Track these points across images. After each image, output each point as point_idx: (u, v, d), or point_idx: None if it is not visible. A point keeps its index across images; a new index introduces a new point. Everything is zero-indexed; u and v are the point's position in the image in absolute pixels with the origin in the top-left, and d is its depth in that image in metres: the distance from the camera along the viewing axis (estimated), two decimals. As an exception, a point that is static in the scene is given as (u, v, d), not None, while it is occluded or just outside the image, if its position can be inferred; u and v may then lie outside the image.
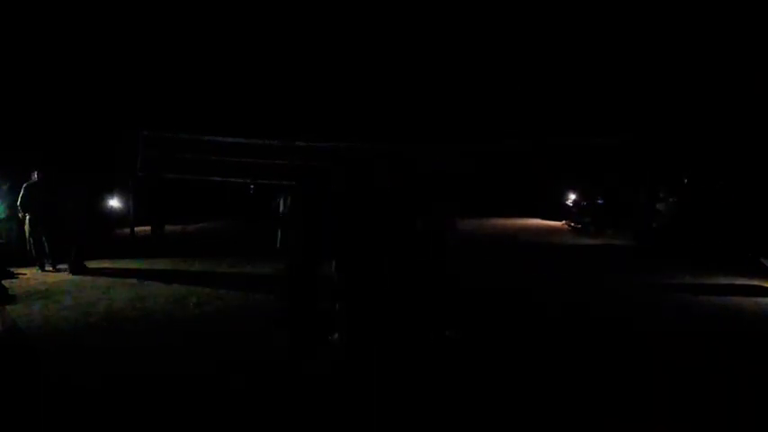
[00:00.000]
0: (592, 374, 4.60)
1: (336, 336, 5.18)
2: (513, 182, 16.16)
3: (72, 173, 9.92)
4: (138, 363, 4.83)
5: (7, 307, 6.59)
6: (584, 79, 17.53)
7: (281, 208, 5.37)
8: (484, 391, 4.23)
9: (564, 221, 16.46)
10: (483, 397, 4.14)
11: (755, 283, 8.14)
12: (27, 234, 9.16)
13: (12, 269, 8.60)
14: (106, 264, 9.56)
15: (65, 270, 8.98)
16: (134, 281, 8.25)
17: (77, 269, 8.89)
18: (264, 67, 19.80)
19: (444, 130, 17.78)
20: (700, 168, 12.12)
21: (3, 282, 7.26)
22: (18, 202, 8.94)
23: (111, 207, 13.45)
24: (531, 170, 15.23)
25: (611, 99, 16.04)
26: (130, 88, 16.60)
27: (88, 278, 8.49)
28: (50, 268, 8.98)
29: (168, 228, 14.87)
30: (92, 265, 9.31)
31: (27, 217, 8.97)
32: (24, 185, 8.96)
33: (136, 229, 13.87)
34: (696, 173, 11.94)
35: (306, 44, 19.99)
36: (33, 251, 9.07)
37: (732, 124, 12.32)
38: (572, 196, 16.20)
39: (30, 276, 8.54)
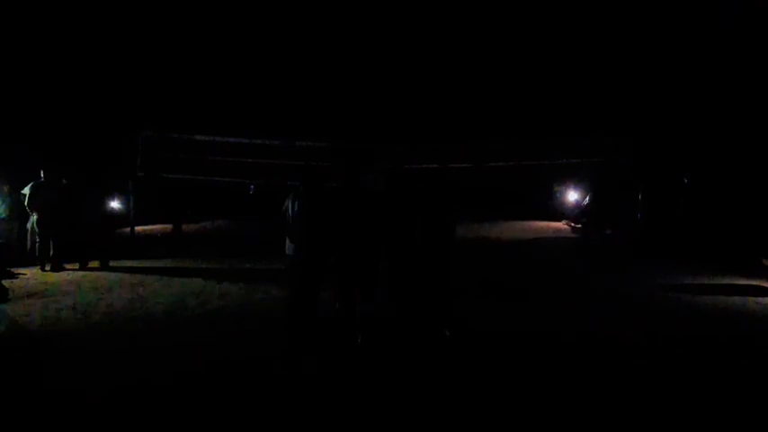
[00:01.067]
0: (590, 374, 4.59)
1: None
2: (512, 183, 16.14)
3: (84, 174, 9.99)
4: (138, 363, 4.82)
5: (7, 307, 6.59)
6: (585, 79, 17.53)
7: (290, 212, 5.32)
8: (483, 391, 4.23)
9: (564, 222, 16.45)
10: (481, 396, 4.14)
11: (756, 283, 8.13)
12: (30, 233, 9.18)
13: (12, 269, 8.59)
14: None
15: (68, 270, 8.99)
16: (134, 281, 8.25)
17: (104, 264, 9.34)
18: (265, 67, 19.81)
19: (444, 130, 17.78)
20: (700, 168, 12.11)
21: (3, 282, 7.25)
22: (26, 202, 8.97)
23: (112, 207, 13.51)
24: (531, 170, 15.24)
25: (611, 99, 16.03)
26: (131, 89, 16.61)
27: (88, 278, 8.48)
28: (49, 268, 8.97)
29: (166, 227, 14.92)
30: (92, 264, 9.33)
31: (35, 216, 8.99)
32: (31, 184, 8.98)
33: (137, 228, 13.90)
34: (696, 173, 11.94)
35: (306, 45, 20.00)
36: (37, 250, 9.07)
37: (732, 125, 12.30)
38: (572, 197, 16.18)
39: (30, 276, 8.53)
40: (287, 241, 5.37)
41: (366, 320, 5.29)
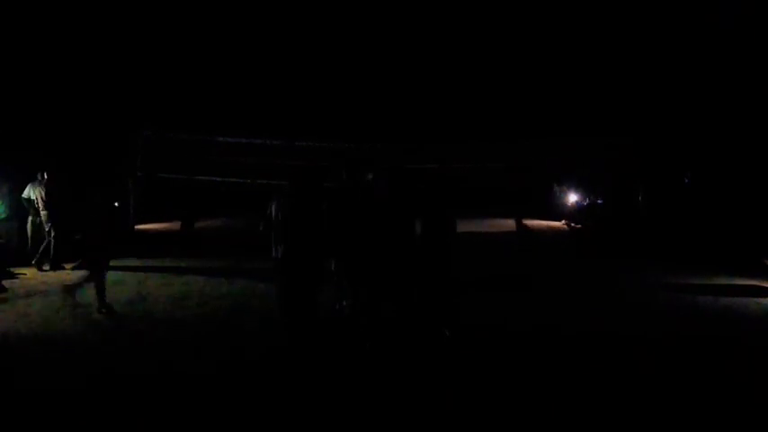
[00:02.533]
0: (589, 374, 4.59)
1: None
2: (512, 183, 16.15)
3: (84, 173, 9.99)
4: (138, 363, 4.82)
5: (7, 307, 6.59)
6: (585, 79, 17.52)
7: (274, 213, 5.21)
8: (482, 391, 4.23)
9: (564, 221, 16.45)
10: (481, 396, 4.14)
11: (756, 283, 8.13)
12: (31, 233, 9.18)
13: (12, 269, 8.59)
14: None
15: (68, 270, 8.99)
16: (135, 280, 8.25)
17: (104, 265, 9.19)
18: (265, 67, 19.80)
19: (444, 130, 17.79)
20: (701, 169, 12.11)
21: (3, 282, 7.25)
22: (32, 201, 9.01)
23: (113, 207, 13.56)
24: (531, 170, 15.26)
25: (611, 99, 16.02)
26: (131, 89, 16.60)
27: (88, 278, 8.47)
28: (48, 268, 8.97)
29: (166, 226, 14.96)
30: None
31: (44, 215, 9.00)
32: (30, 185, 9.01)
33: (138, 227, 13.97)
34: (697, 173, 11.93)
35: (306, 45, 20.00)
36: (42, 249, 9.07)
37: (733, 125, 12.30)
38: (572, 196, 16.19)
39: (30, 276, 8.53)
40: (272, 243, 5.27)
41: (374, 327, 5.27)
